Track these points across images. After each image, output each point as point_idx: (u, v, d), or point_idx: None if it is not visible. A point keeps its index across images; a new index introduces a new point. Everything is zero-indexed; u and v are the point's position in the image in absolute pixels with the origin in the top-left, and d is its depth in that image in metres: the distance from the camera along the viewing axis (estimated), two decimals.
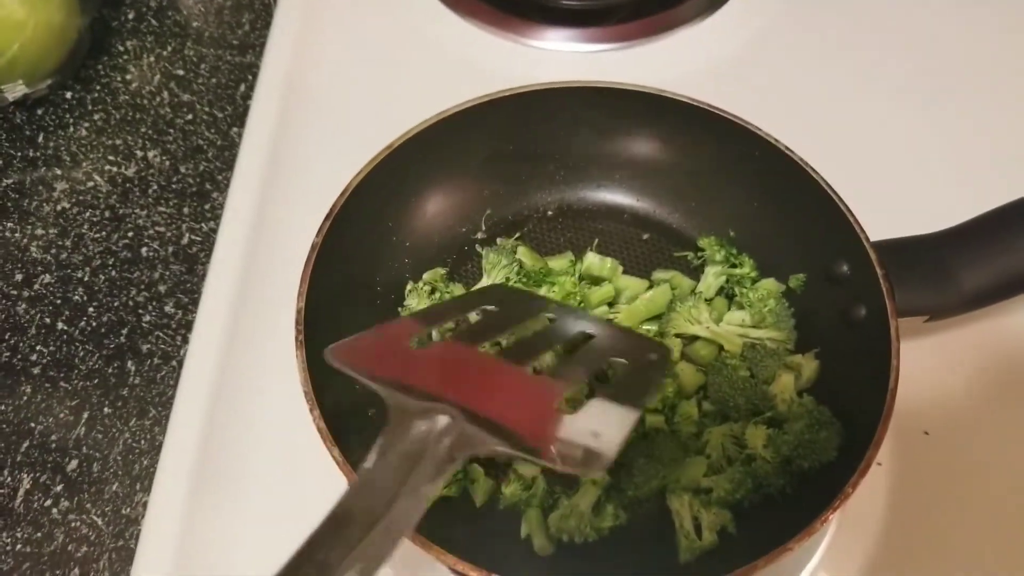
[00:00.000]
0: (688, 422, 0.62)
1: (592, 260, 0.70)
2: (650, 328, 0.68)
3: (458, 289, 0.70)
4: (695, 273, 0.71)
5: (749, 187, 0.70)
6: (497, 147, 0.73)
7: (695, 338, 0.67)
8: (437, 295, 0.69)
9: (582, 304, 0.68)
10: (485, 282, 0.70)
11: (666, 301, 0.67)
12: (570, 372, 0.48)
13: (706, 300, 0.68)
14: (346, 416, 0.57)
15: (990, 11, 0.94)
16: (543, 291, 0.68)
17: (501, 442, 0.40)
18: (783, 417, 0.61)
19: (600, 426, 0.42)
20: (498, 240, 0.74)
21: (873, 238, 0.61)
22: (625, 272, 0.71)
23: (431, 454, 0.39)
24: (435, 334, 0.54)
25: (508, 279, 0.70)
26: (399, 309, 0.69)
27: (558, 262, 0.71)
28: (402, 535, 0.37)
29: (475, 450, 0.40)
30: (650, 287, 0.70)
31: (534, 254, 0.71)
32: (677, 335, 0.67)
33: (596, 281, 0.70)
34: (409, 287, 0.70)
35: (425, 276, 0.70)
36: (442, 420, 0.40)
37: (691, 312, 0.66)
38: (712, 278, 0.69)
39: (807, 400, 0.62)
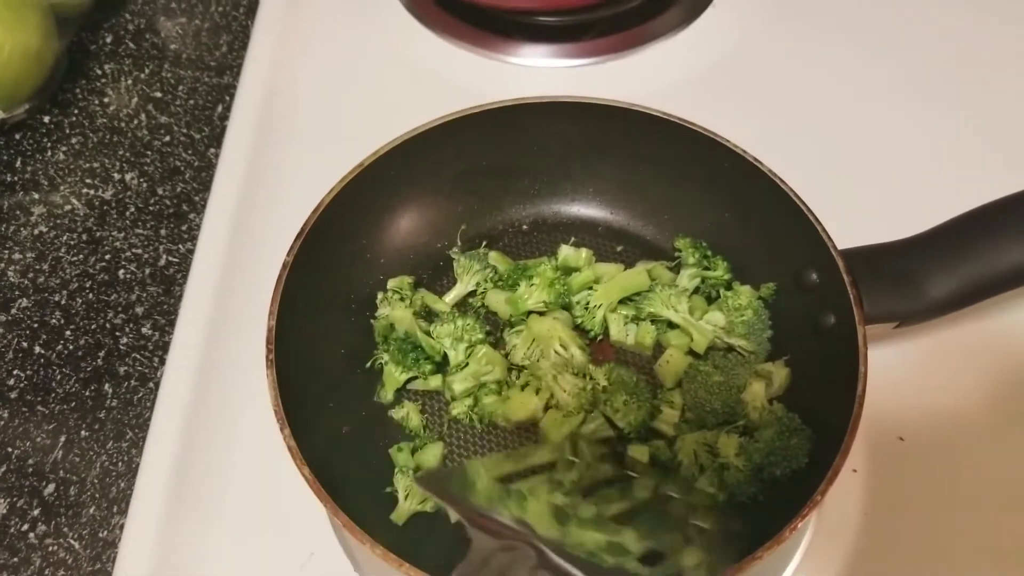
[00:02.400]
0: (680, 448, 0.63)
1: (567, 252, 0.72)
2: (626, 313, 0.69)
3: (428, 296, 0.71)
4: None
5: (720, 198, 0.70)
6: (471, 163, 0.73)
7: (668, 326, 0.68)
8: (406, 303, 0.69)
9: (564, 289, 0.68)
10: (459, 288, 0.71)
11: (642, 282, 0.69)
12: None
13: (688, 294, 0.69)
14: (318, 435, 0.57)
15: (958, 24, 0.95)
16: (523, 286, 0.68)
17: None
18: (755, 425, 0.61)
19: None
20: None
21: (841, 246, 0.61)
22: None
23: None
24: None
25: (482, 283, 0.71)
26: (371, 320, 0.69)
27: (533, 262, 0.71)
28: None
29: None
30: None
31: (506, 259, 0.72)
32: (652, 320, 0.68)
33: (570, 272, 0.71)
34: (380, 297, 0.70)
35: (391, 284, 0.71)
36: (518, 555, 0.44)
37: (670, 298, 0.67)
38: (686, 280, 0.70)
39: (777, 407, 0.62)
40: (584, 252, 0.71)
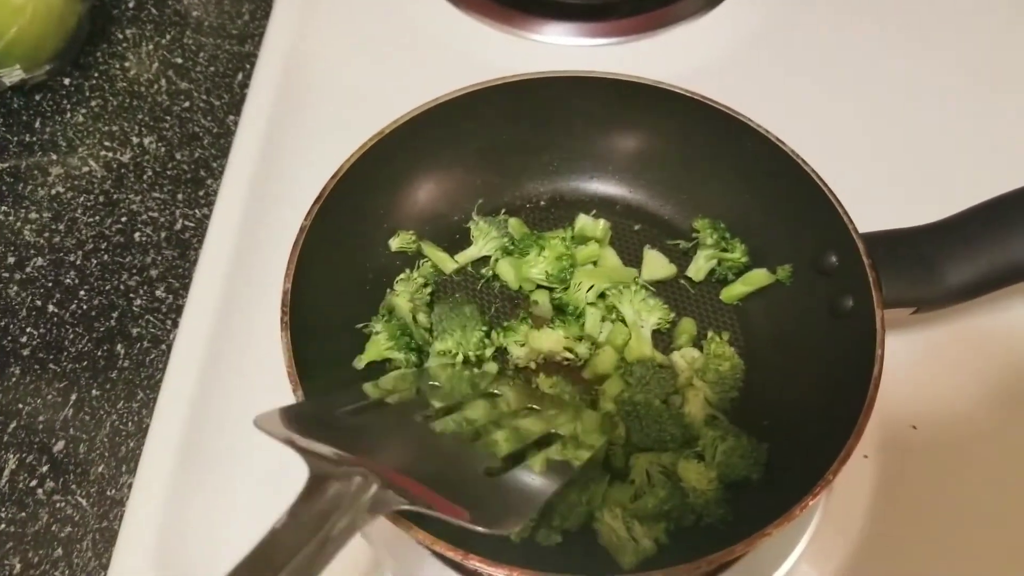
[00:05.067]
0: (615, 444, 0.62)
1: (585, 221, 0.72)
2: (605, 308, 0.68)
3: (429, 247, 0.71)
4: (686, 258, 0.72)
5: (741, 178, 0.70)
6: (491, 136, 0.73)
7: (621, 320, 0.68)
8: (429, 288, 0.69)
9: (571, 264, 0.69)
10: (473, 250, 0.71)
11: (628, 278, 0.70)
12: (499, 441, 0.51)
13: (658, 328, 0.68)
14: None
15: (985, 10, 0.94)
16: (533, 254, 0.68)
17: (415, 503, 0.42)
18: (701, 435, 0.61)
19: (518, 492, 0.46)
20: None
21: (862, 230, 0.60)
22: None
23: (345, 511, 0.41)
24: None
25: (496, 252, 0.71)
26: (388, 292, 0.69)
27: (550, 234, 0.71)
28: None
29: (388, 509, 0.42)
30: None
31: (524, 227, 0.73)
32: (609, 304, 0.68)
33: (584, 242, 0.71)
34: (404, 274, 0.70)
35: (393, 244, 0.71)
36: (357, 481, 0.42)
37: (636, 299, 0.67)
38: (703, 261, 0.70)
39: (720, 421, 0.62)
40: (601, 223, 0.72)
